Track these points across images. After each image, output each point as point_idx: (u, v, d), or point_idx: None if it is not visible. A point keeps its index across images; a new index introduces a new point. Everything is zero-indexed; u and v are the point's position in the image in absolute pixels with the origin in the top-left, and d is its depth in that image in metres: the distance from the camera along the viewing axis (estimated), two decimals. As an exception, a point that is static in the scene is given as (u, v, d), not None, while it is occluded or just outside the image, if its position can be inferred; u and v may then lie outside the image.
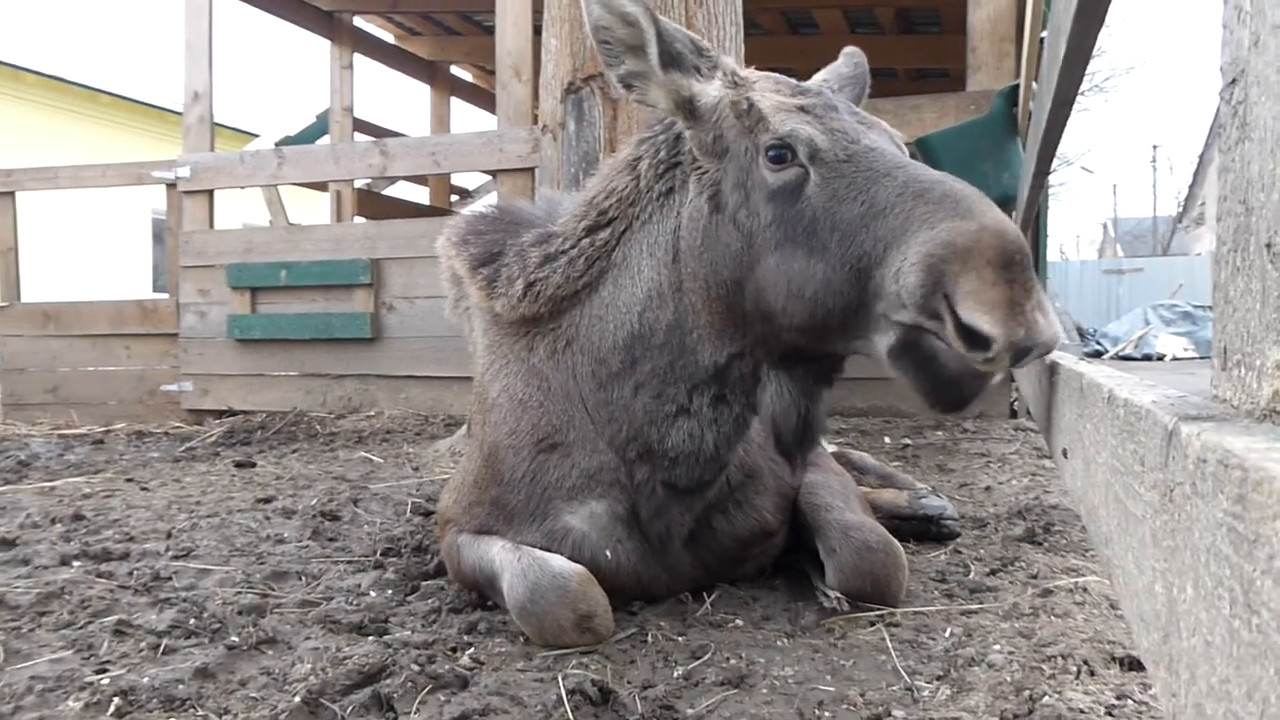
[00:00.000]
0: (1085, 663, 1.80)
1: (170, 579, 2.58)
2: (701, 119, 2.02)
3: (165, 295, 7.85)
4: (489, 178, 10.78)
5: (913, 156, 1.89)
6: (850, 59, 2.41)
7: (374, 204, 10.80)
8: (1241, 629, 0.54)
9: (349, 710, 1.70)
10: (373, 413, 6.68)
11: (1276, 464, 0.51)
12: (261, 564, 2.75)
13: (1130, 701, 1.64)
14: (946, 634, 2.05)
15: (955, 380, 1.57)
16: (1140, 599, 0.86)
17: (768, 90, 1.99)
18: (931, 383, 1.62)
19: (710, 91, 2.01)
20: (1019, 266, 1.46)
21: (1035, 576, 2.45)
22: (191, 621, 2.17)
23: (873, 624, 2.13)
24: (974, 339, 1.46)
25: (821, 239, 1.76)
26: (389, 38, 12.00)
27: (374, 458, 5.01)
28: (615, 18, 1.98)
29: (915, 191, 1.64)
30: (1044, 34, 3.48)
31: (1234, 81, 0.78)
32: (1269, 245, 0.69)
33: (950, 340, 1.51)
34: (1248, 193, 0.74)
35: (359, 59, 11.04)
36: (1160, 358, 17.15)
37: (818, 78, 2.27)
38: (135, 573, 2.62)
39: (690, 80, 2.01)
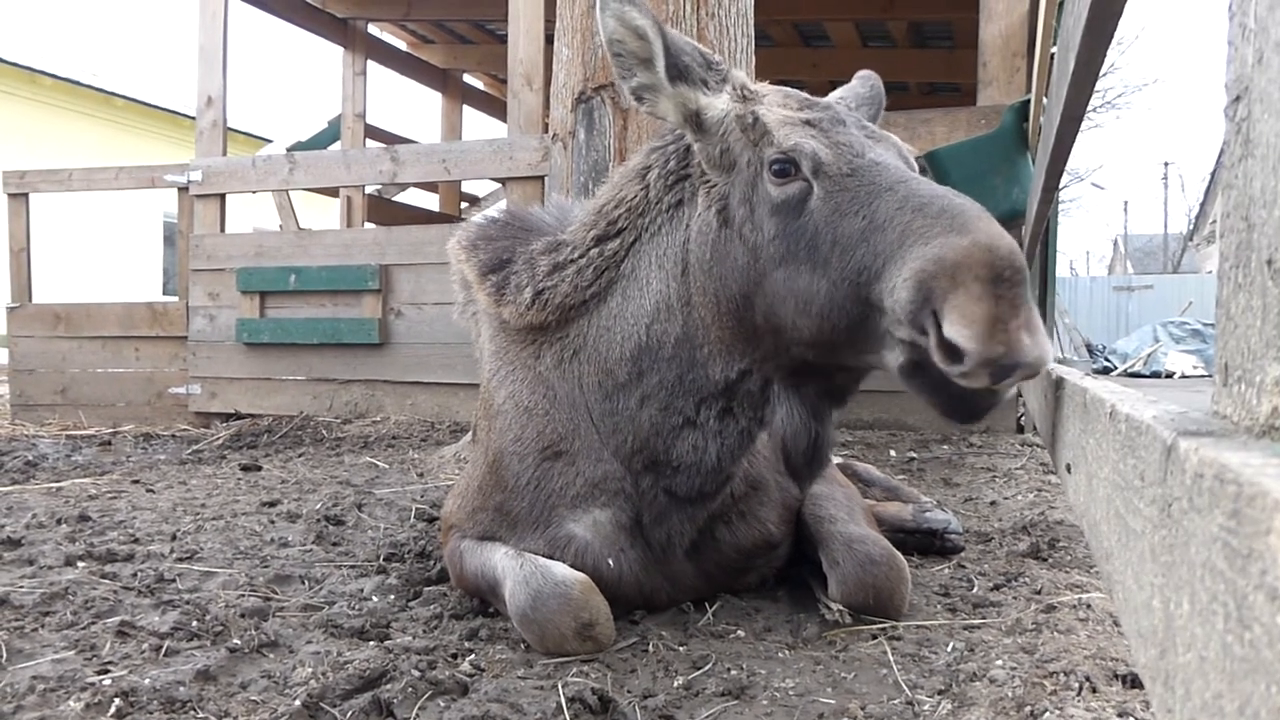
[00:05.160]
0: (1087, 679, 1.80)
1: (174, 581, 2.59)
2: (709, 132, 2.02)
3: (175, 298, 7.89)
4: (499, 185, 10.82)
5: (923, 171, 1.88)
6: (865, 81, 2.40)
7: (384, 210, 10.85)
8: (1234, 644, 0.54)
9: (349, 715, 1.70)
10: (379, 418, 6.69)
11: (1271, 479, 0.52)
12: (265, 567, 2.75)
13: (1131, 719, 1.63)
14: (948, 648, 2.05)
15: (967, 395, 1.55)
16: (1139, 614, 0.86)
17: (775, 104, 1.99)
18: (944, 397, 1.61)
19: (718, 105, 2.01)
20: (1008, 283, 1.44)
21: (1039, 592, 2.44)
22: (194, 624, 2.17)
23: (874, 637, 2.13)
24: (953, 353, 1.45)
25: (823, 253, 1.75)
26: (402, 45, 12.07)
27: (379, 463, 5.01)
28: (628, 31, 1.99)
29: (914, 206, 1.63)
30: (1054, 49, 3.48)
31: (1238, 98, 0.78)
32: (1270, 262, 0.69)
33: (933, 353, 1.50)
34: (1250, 209, 0.74)
35: (372, 66, 11.10)
36: (1169, 375, 17.07)
37: (833, 96, 2.27)
38: (139, 574, 2.63)
39: (698, 93, 2.01)
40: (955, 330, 1.43)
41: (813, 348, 1.85)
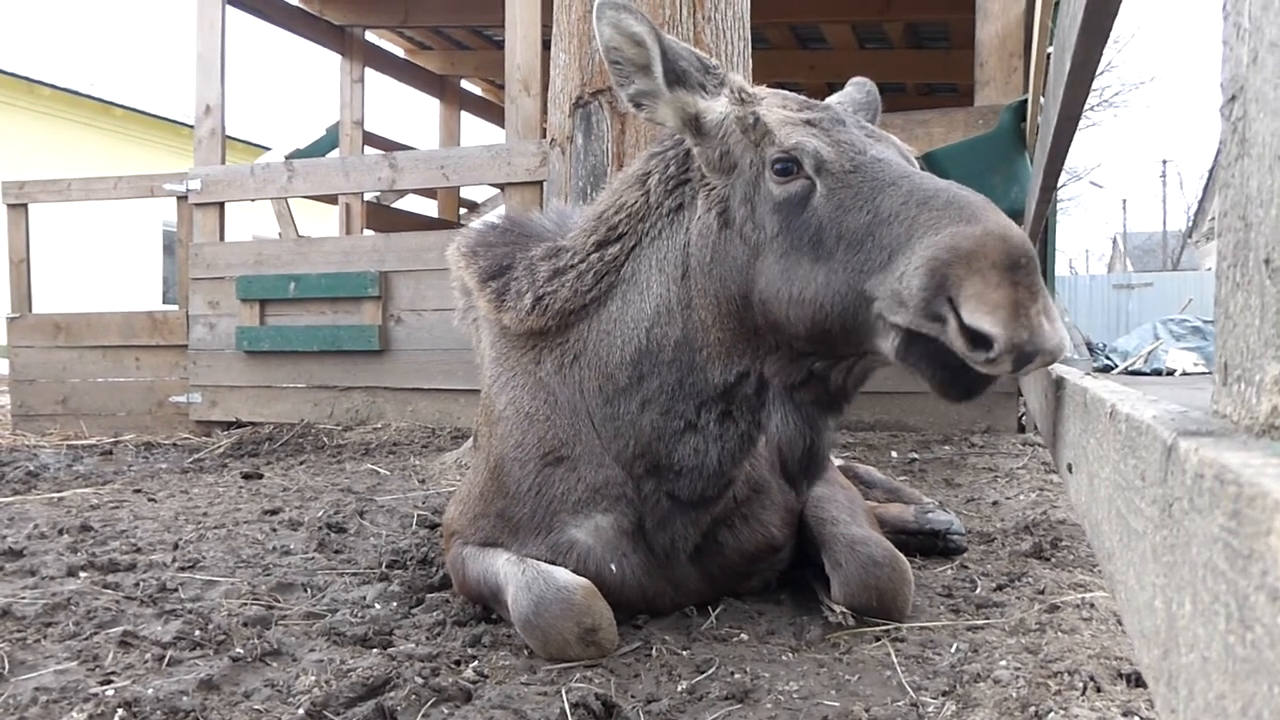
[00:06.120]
0: (1091, 679, 1.79)
1: (176, 590, 2.59)
2: (708, 135, 2.03)
3: (175, 307, 7.88)
4: (497, 191, 10.82)
5: (921, 170, 1.89)
6: (861, 87, 2.41)
7: (383, 217, 10.85)
8: (1236, 645, 0.54)
9: (352, 722, 1.69)
10: (380, 425, 6.69)
11: (1271, 479, 0.52)
12: (267, 575, 2.75)
13: (1136, 718, 1.63)
14: (952, 649, 2.05)
15: (964, 369, 1.56)
16: (1141, 614, 0.86)
17: (774, 105, 1.99)
18: (942, 372, 1.61)
19: (716, 108, 2.02)
20: (1024, 270, 1.45)
21: (1042, 592, 2.44)
22: (197, 633, 2.17)
23: (878, 639, 2.13)
24: (977, 340, 1.46)
25: (827, 248, 1.76)
26: (399, 52, 12.08)
27: (381, 470, 5.01)
28: (624, 38, 2.00)
29: (920, 199, 1.64)
30: (1051, 49, 3.49)
31: (1233, 98, 0.78)
32: (1267, 261, 0.69)
33: (952, 342, 1.50)
34: (1247, 208, 0.74)
35: (370, 73, 11.11)
36: (1170, 373, 17.09)
37: (829, 101, 2.27)
38: (141, 584, 2.63)
39: (696, 97, 2.02)
40: (979, 318, 1.44)
41: (810, 341, 1.86)
